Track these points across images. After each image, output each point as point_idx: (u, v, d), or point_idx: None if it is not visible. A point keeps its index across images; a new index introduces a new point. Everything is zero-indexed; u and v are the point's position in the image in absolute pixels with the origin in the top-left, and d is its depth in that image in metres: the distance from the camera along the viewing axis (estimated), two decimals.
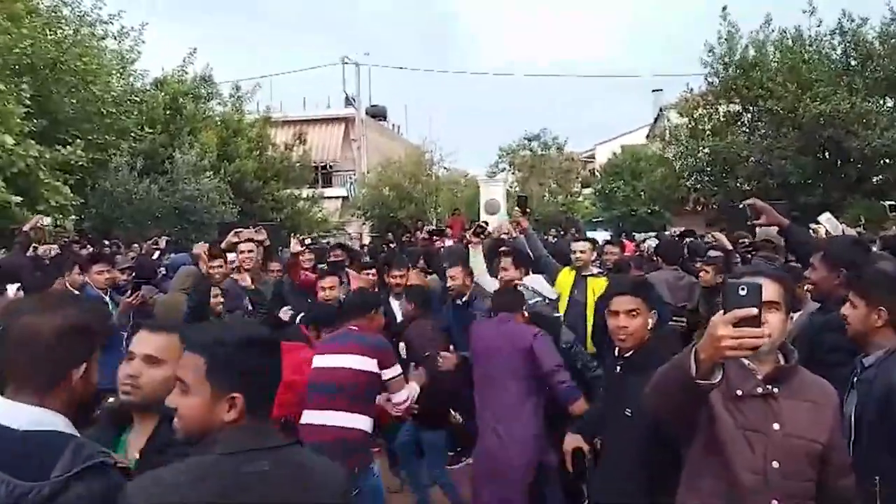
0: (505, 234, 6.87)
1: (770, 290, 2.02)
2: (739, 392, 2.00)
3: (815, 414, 2.02)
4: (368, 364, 3.62)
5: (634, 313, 2.58)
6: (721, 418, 1.99)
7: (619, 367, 2.63)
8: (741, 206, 3.65)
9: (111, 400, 1.99)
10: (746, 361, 2.01)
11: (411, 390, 3.87)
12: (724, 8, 15.76)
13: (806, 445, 1.98)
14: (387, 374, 3.69)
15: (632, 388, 2.39)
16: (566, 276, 5.30)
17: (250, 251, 5.64)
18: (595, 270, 5.48)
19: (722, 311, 1.66)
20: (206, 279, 4.46)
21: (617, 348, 2.67)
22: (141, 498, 1.40)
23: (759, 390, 2.00)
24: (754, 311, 1.63)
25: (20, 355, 1.51)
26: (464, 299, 5.08)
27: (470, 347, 4.00)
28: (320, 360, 3.65)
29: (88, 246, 11.42)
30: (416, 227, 14.75)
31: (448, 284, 5.20)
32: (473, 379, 3.88)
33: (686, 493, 2.09)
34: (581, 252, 5.34)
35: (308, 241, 7.01)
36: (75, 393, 1.55)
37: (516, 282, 4.68)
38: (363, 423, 3.57)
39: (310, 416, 3.50)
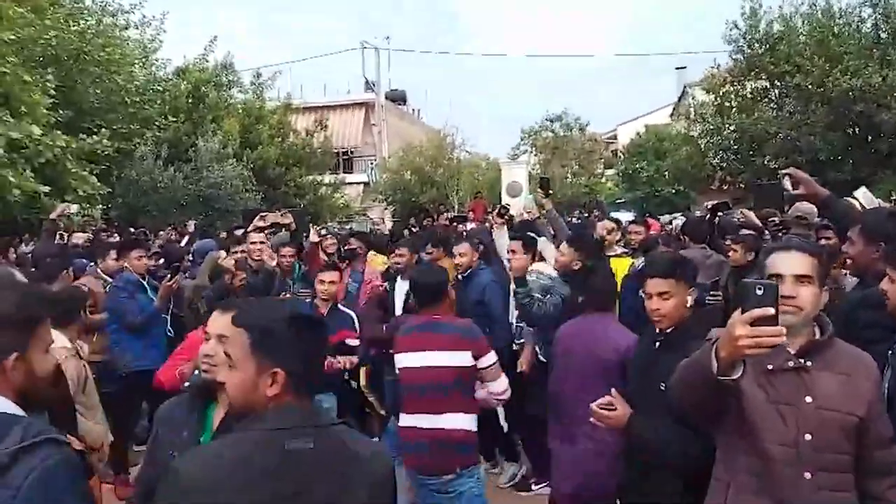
0: (528, 213, 6.83)
1: (803, 263, 2.04)
2: (770, 366, 1.99)
3: (850, 386, 2.00)
4: (461, 358, 3.36)
5: (666, 296, 2.56)
6: (752, 393, 1.99)
7: (657, 344, 2.63)
8: (778, 176, 3.56)
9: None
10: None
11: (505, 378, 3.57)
12: None
13: (840, 418, 1.96)
14: (482, 362, 3.40)
15: (667, 364, 2.35)
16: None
17: (262, 242, 5.66)
18: (619, 251, 5.47)
19: (739, 311, 1.68)
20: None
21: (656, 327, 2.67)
22: (186, 466, 1.44)
23: (791, 364, 1.99)
24: (771, 310, 1.65)
25: None
26: (468, 272, 5.13)
27: (554, 349, 3.68)
28: (409, 359, 3.46)
29: (116, 234, 11.60)
30: (438, 211, 14.70)
31: (456, 261, 5.19)
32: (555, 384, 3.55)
33: (722, 470, 2.09)
34: (606, 233, 5.31)
35: (323, 230, 6.97)
36: (14, 382, 1.53)
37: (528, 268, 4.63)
38: (465, 421, 3.35)
39: (408, 420, 3.40)
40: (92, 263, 6.03)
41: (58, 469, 1.39)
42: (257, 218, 5.79)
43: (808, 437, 1.95)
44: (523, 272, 4.48)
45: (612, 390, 2.58)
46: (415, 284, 3.74)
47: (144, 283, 5.45)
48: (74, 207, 7.34)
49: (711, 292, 5.43)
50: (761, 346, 1.66)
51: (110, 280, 5.55)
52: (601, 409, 2.51)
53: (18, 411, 1.50)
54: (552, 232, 6.07)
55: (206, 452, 1.51)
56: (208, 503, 1.38)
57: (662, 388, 2.36)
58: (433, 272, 3.83)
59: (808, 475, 1.94)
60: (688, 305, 2.56)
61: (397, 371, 3.55)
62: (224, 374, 1.59)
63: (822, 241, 4.35)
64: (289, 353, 1.52)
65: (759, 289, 1.68)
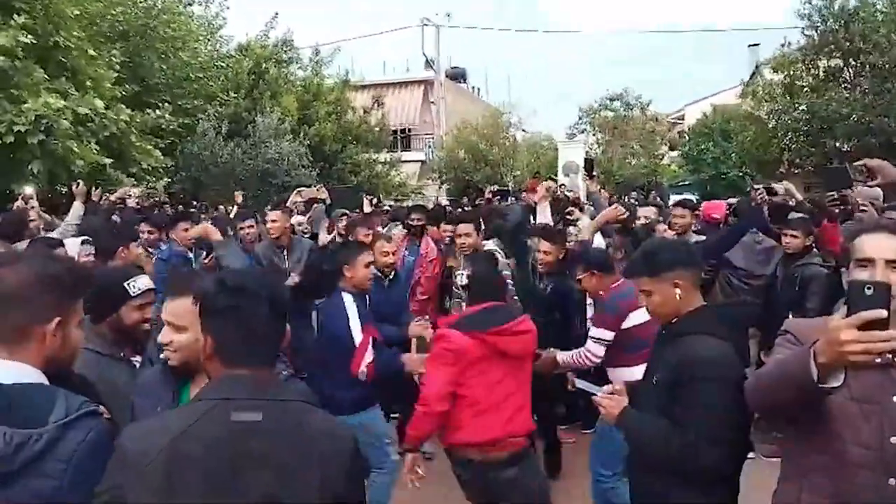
0: (569, 192, 6.74)
1: (893, 247, 1.85)
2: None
3: None
4: None
5: (646, 293, 2.37)
6: (834, 393, 1.80)
7: (663, 333, 2.44)
8: (845, 166, 3.34)
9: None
10: None
11: None
12: None
13: None
14: None
15: (664, 356, 2.27)
16: None
17: (251, 227, 5.81)
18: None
19: (845, 312, 1.52)
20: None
21: None
22: (131, 439, 1.41)
23: (878, 360, 1.75)
24: (883, 312, 1.48)
25: None
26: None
27: None
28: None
29: (180, 207, 12.01)
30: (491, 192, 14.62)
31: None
32: None
33: (793, 470, 1.94)
34: (645, 218, 5.19)
35: (375, 201, 7.02)
36: (50, 350, 1.51)
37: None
38: None
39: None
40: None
41: (101, 440, 1.44)
42: (294, 193, 5.89)
43: (893, 439, 1.76)
44: (549, 268, 4.49)
45: (622, 382, 2.50)
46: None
47: (190, 255, 5.48)
48: (136, 190, 7.67)
49: (745, 281, 5.26)
50: (870, 353, 1.49)
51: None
52: (604, 397, 2.41)
53: (45, 381, 1.50)
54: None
55: (152, 424, 1.48)
56: (150, 476, 1.35)
57: (654, 381, 2.27)
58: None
59: (893, 481, 1.75)
60: (679, 297, 2.30)
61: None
62: (169, 335, 1.72)
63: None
64: (218, 321, 1.51)
65: (869, 288, 1.51)
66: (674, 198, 16.31)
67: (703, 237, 5.79)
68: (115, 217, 7.49)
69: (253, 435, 1.39)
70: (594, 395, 2.49)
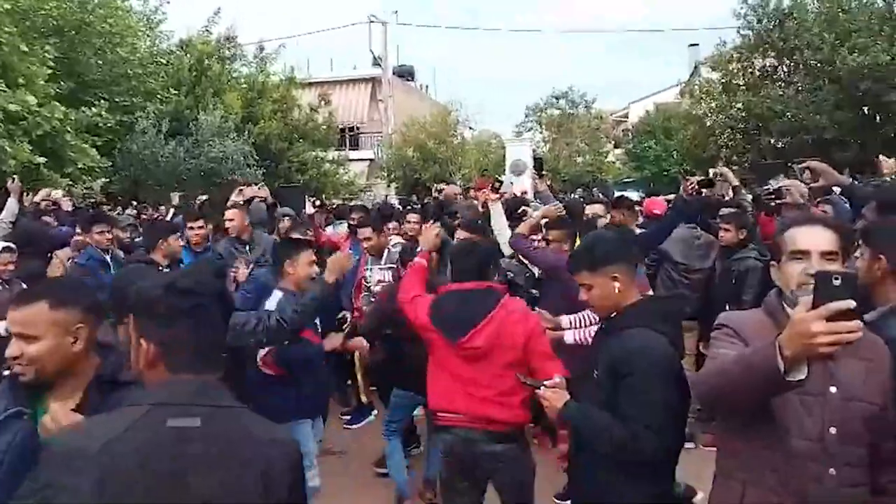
0: (523, 193, 6.81)
1: (829, 239, 1.90)
2: (789, 352, 1.83)
3: (872, 374, 1.86)
4: None
5: (587, 287, 2.40)
6: None
7: (602, 329, 2.48)
8: (779, 163, 3.45)
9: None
10: None
11: None
12: None
13: (864, 408, 1.83)
14: None
15: (603, 350, 2.30)
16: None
17: (201, 227, 5.61)
18: None
19: (811, 305, 1.52)
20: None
21: None
22: (61, 442, 1.36)
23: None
24: (852, 303, 1.49)
25: None
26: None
27: None
28: None
29: (119, 208, 11.65)
30: (438, 189, 14.65)
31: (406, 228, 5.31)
32: None
33: (735, 468, 1.96)
34: (593, 215, 5.26)
35: (318, 202, 6.91)
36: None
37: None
38: None
39: None
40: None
41: (29, 441, 1.47)
42: (235, 192, 5.76)
43: (833, 430, 1.81)
44: None
45: (558, 376, 2.52)
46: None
47: (107, 258, 5.26)
48: (58, 193, 7.41)
49: (684, 275, 5.38)
50: (840, 343, 1.49)
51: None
52: (546, 390, 2.43)
53: None
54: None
55: (84, 427, 1.43)
56: (82, 480, 1.29)
57: (595, 375, 2.29)
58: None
59: (832, 471, 1.81)
60: (618, 290, 2.34)
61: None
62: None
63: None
64: (166, 327, 1.44)
65: (836, 279, 1.51)
66: (619, 195, 16.71)
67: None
68: (48, 218, 7.23)
69: (191, 441, 1.34)
70: (537, 389, 2.52)
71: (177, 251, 4.99)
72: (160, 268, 4.83)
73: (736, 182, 5.44)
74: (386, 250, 5.58)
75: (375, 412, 5.71)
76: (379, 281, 5.40)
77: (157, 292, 1.45)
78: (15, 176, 6.16)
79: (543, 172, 6.54)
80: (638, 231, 5.82)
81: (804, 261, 1.89)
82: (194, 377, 1.43)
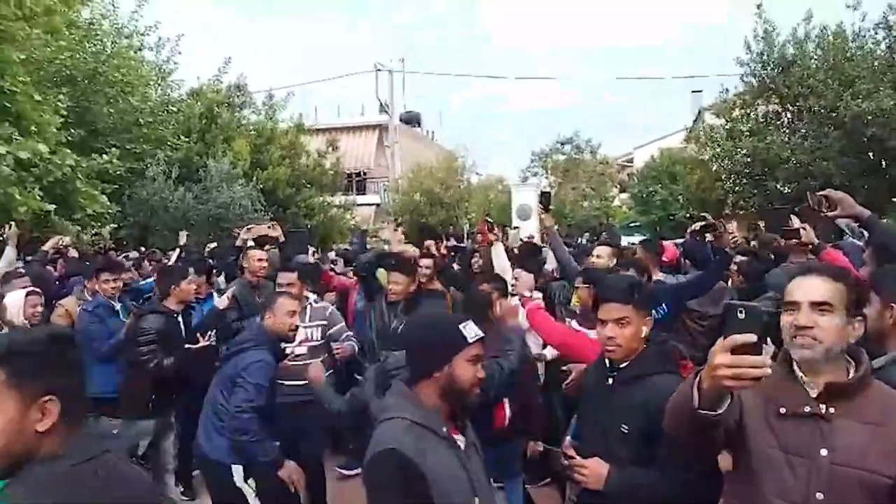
0: (529, 237, 6.77)
1: (822, 289, 1.81)
2: (784, 409, 1.76)
3: (878, 439, 1.69)
4: None
5: (624, 322, 2.31)
6: (760, 437, 1.77)
7: (611, 380, 2.37)
8: (787, 208, 3.39)
9: None
10: (800, 374, 1.80)
11: None
12: (759, 5, 15.37)
13: (861, 477, 1.67)
14: None
15: (625, 402, 2.22)
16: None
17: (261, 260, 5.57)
18: None
19: (721, 338, 1.51)
20: None
21: (607, 358, 2.41)
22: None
23: (807, 409, 1.75)
24: (753, 337, 1.47)
25: None
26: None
27: None
28: None
29: (127, 254, 11.68)
30: (446, 234, 14.70)
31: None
32: None
33: None
34: (597, 257, 5.19)
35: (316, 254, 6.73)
36: None
37: None
38: None
39: None
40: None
41: None
42: (243, 230, 5.66)
43: (819, 495, 1.70)
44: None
45: (568, 440, 2.40)
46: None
47: (117, 307, 5.28)
48: (67, 240, 7.42)
49: (699, 323, 5.29)
50: (742, 378, 1.47)
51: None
52: (578, 465, 2.25)
53: None
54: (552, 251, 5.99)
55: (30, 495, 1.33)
56: None
57: (624, 430, 2.18)
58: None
59: None
60: (643, 336, 2.32)
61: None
62: None
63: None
64: (59, 375, 1.39)
65: (741, 312, 1.50)
66: (625, 239, 16.67)
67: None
68: (58, 263, 7.26)
69: (119, 486, 1.39)
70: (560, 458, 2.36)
71: (187, 296, 5.00)
72: (174, 314, 4.87)
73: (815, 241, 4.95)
74: (307, 307, 4.91)
75: None
76: (302, 341, 4.69)
77: (40, 344, 1.40)
78: (12, 223, 6.06)
79: (551, 208, 6.40)
80: (660, 276, 5.72)
81: (794, 313, 1.83)
82: (82, 429, 1.44)
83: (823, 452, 1.72)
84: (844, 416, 1.72)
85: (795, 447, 1.73)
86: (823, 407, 1.74)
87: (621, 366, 2.33)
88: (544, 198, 6.41)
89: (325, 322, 4.88)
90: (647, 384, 2.19)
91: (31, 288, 4.66)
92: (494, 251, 5.66)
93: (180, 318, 4.98)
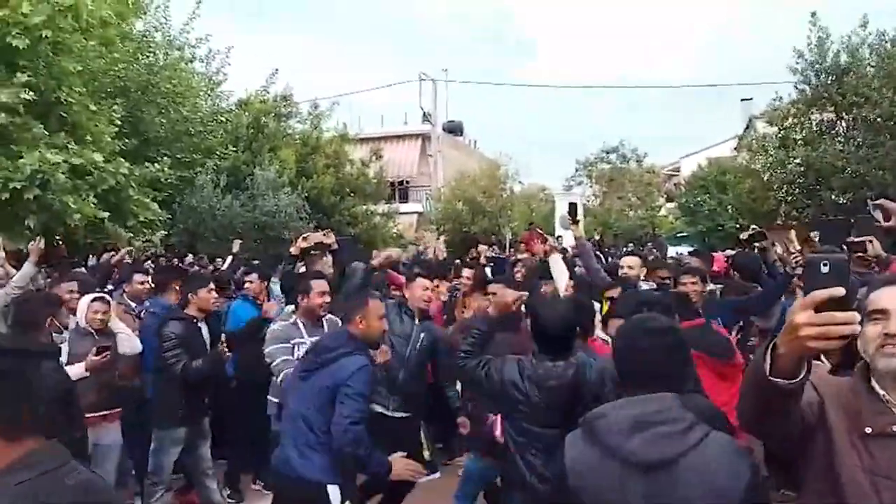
0: (572, 247, 6.66)
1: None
2: (869, 429, 1.63)
3: None
4: None
5: None
6: (844, 458, 1.63)
7: None
8: (844, 219, 3.25)
9: None
10: (882, 392, 1.67)
11: None
12: (814, 14, 14.99)
13: None
14: None
15: None
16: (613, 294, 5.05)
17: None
18: (644, 287, 5.04)
19: (802, 294, 1.36)
20: None
21: None
22: None
23: (895, 428, 1.62)
24: (841, 290, 1.30)
25: None
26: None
27: None
28: None
29: (175, 260, 11.96)
30: (488, 242, 14.66)
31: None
32: None
33: None
34: (628, 267, 5.07)
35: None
36: None
37: None
38: None
39: None
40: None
41: None
42: (300, 238, 5.69)
43: None
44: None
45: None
46: None
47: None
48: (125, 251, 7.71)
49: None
50: (829, 336, 1.30)
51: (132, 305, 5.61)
52: None
53: None
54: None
55: None
56: None
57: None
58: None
59: None
60: None
61: None
62: None
63: None
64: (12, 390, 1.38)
65: (825, 264, 1.34)
66: (672, 249, 16.35)
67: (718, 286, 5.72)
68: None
69: (86, 492, 1.39)
70: None
71: (206, 304, 4.95)
72: (194, 320, 4.87)
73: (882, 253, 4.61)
74: (325, 321, 4.74)
75: (438, 474, 5.41)
76: None
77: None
78: (39, 237, 5.81)
79: (579, 219, 6.25)
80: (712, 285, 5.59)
81: (882, 321, 1.68)
82: (45, 444, 1.42)
83: None
84: None
85: (882, 469, 1.60)
86: None
87: None
88: (572, 208, 6.30)
89: None
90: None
91: (100, 294, 4.77)
92: (553, 262, 5.56)
93: (203, 326, 4.96)
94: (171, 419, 4.71)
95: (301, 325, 4.64)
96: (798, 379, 1.41)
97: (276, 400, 4.97)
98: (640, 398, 1.95)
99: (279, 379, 4.42)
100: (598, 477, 1.89)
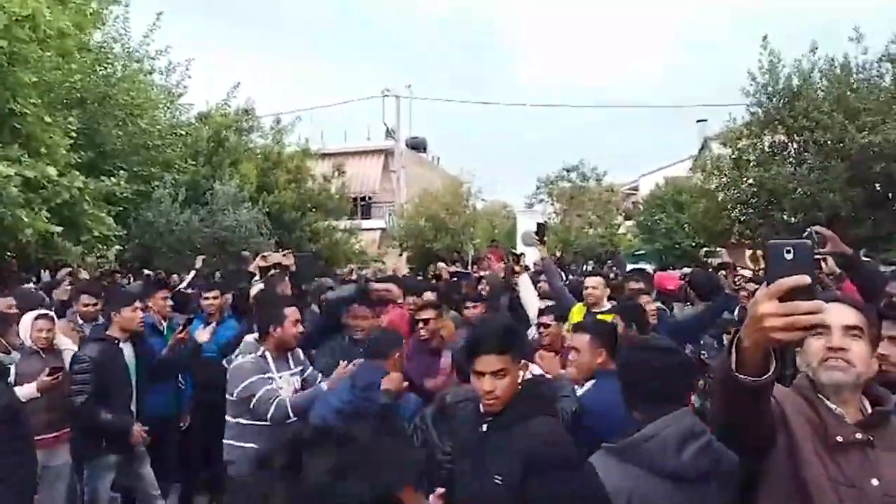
0: (535, 264, 6.74)
1: (852, 315, 1.75)
2: (840, 438, 1.67)
3: None
4: None
5: (502, 374, 2.19)
6: (810, 467, 1.66)
7: (484, 426, 2.25)
8: (805, 233, 3.34)
9: None
10: (832, 406, 1.72)
11: None
12: (765, 37, 15.49)
13: None
14: None
15: (497, 449, 2.10)
16: (578, 313, 5.12)
17: (216, 297, 5.63)
18: (607, 306, 5.11)
19: (765, 284, 1.29)
20: None
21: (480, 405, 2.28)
22: None
23: (859, 436, 1.66)
24: (806, 279, 1.23)
25: None
26: None
27: None
28: None
29: (129, 276, 11.67)
30: (452, 259, 14.68)
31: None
32: None
33: None
34: (592, 288, 5.14)
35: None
36: None
37: None
38: None
39: None
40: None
41: None
42: (259, 257, 5.70)
43: None
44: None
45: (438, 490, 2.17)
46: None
47: (163, 326, 5.37)
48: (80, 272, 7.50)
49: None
50: (794, 327, 1.23)
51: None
52: None
53: None
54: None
55: None
56: None
57: (498, 481, 2.03)
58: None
59: None
60: (519, 382, 2.21)
61: None
62: None
63: None
64: None
65: (788, 251, 1.26)
66: (631, 266, 16.59)
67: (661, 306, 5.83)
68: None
69: None
70: None
71: (130, 324, 4.64)
72: (115, 341, 4.51)
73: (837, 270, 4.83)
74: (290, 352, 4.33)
75: None
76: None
77: None
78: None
79: (545, 239, 6.32)
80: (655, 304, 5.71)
81: (825, 335, 1.74)
82: None
83: (874, 482, 1.64)
84: (884, 447, 1.67)
85: (846, 477, 1.64)
86: (869, 437, 1.68)
87: (494, 412, 2.23)
88: (539, 228, 6.38)
89: (303, 366, 4.42)
90: (521, 430, 2.10)
91: (43, 311, 4.64)
92: (521, 283, 5.62)
93: (127, 346, 4.60)
94: (96, 447, 4.36)
95: (269, 359, 4.09)
96: (765, 377, 1.36)
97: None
98: (673, 415, 1.97)
99: (271, 410, 3.82)
100: (646, 496, 1.89)
